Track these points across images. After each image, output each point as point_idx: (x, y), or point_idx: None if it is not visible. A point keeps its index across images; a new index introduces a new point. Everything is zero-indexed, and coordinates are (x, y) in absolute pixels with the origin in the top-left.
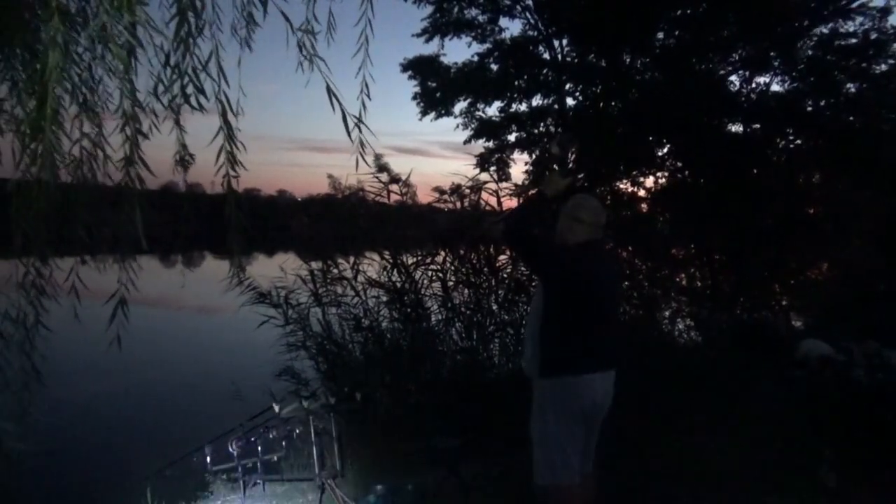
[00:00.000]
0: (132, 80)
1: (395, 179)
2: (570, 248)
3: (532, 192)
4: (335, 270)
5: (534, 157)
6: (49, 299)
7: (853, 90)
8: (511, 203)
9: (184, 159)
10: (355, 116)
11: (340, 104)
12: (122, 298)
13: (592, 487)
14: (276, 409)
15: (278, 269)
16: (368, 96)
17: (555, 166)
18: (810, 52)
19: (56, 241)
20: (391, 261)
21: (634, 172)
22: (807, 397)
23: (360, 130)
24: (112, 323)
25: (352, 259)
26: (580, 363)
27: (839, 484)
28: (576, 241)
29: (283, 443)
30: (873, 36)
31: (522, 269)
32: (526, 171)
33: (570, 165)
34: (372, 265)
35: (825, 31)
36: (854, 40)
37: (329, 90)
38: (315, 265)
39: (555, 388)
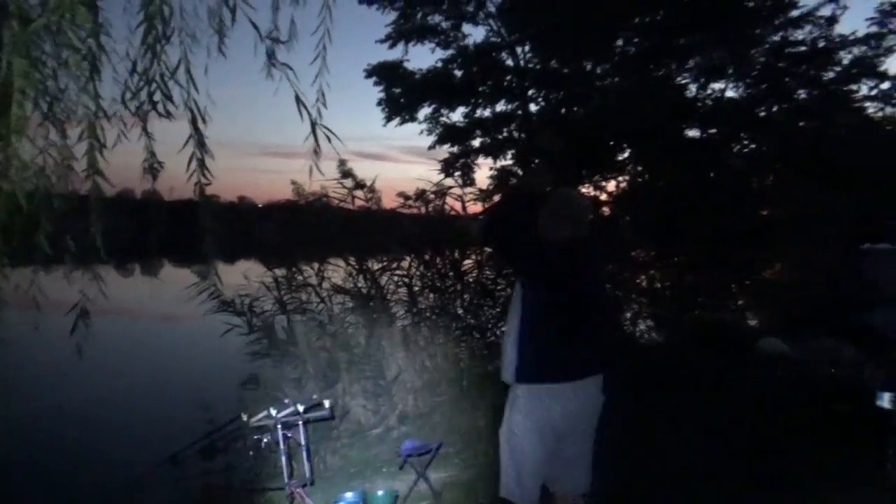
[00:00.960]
0: (95, 88)
1: (359, 185)
2: (556, 245)
3: (514, 187)
4: (300, 277)
5: (498, 162)
6: (9, 310)
7: (804, 96)
8: (476, 208)
9: (153, 167)
10: (325, 126)
11: (309, 113)
12: (83, 309)
13: None
14: (245, 418)
15: (241, 276)
16: (325, 104)
17: (542, 160)
18: (763, 60)
19: (18, 251)
20: (356, 267)
21: (597, 177)
22: (764, 393)
23: (328, 138)
24: (73, 334)
25: (316, 266)
26: (558, 368)
27: (799, 477)
28: (561, 238)
29: (251, 452)
30: (821, 44)
31: (487, 273)
32: (491, 176)
33: (556, 158)
34: (337, 271)
35: (777, 39)
36: (804, 48)
37: (298, 99)
38: (279, 272)
39: (529, 394)
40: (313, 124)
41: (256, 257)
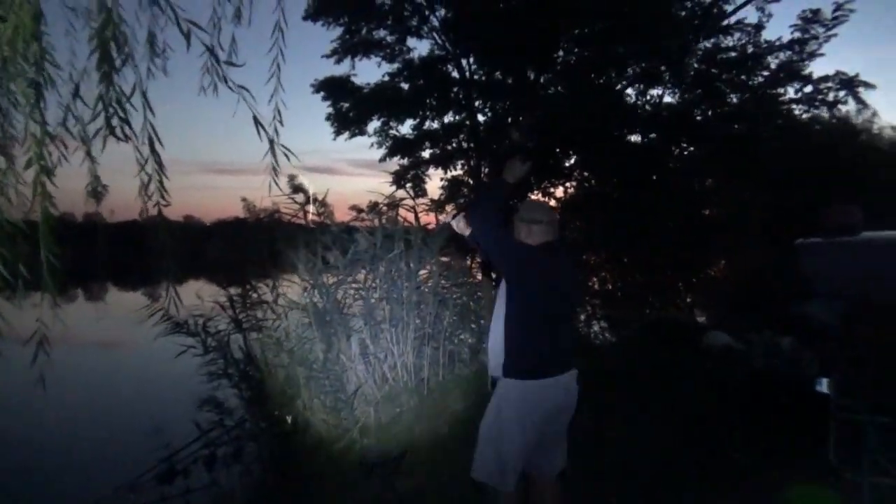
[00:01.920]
0: (42, 113)
1: (310, 200)
2: (532, 248)
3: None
4: (254, 295)
5: (449, 172)
6: None
7: (735, 100)
8: (429, 218)
9: (97, 190)
10: (281, 144)
11: (268, 134)
12: (43, 337)
13: (557, 491)
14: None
15: (193, 296)
16: (281, 122)
17: (515, 153)
18: (696, 66)
19: None
20: (311, 282)
21: (545, 183)
22: (712, 384)
23: (287, 157)
24: (34, 363)
25: (270, 282)
26: (544, 365)
27: (747, 461)
28: (535, 243)
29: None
30: (750, 49)
31: (443, 282)
32: (442, 187)
33: (529, 150)
34: (292, 287)
35: (708, 45)
36: (734, 54)
37: (256, 120)
38: (233, 290)
39: (518, 389)
40: (272, 142)
41: (206, 276)
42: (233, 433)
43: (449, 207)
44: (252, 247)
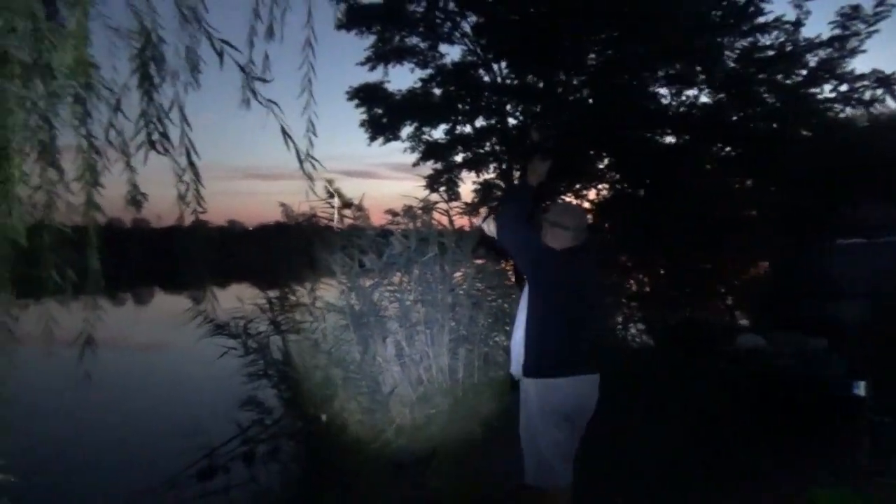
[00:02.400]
0: (87, 128)
1: (347, 204)
2: (556, 252)
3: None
4: (292, 297)
5: (481, 175)
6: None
7: (771, 100)
8: (463, 221)
9: (136, 199)
10: (310, 155)
11: (295, 145)
12: (89, 336)
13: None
14: None
15: (235, 299)
16: (315, 133)
17: (535, 153)
18: (732, 66)
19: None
20: (348, 285)
21: (577, 186)
22: (740, 388)
23: (314, 168)
24: (81, 359)
25: (308, 285)
26: (564, 365)
27: (774, 467)
28: (560, 247)
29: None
30: (788, 48)
31: (478, 285)
32: (474, 190)
33: (549, 150)
34: (329, 290)
35: (745, 44)
36: (771, 52)
37: (284, 131)
38: (272, 293)
39: (539, 389)
40: (298, 155)
41: (249, 280)
42: (271, 430)
43: (482, 210)
44: (290, 250)
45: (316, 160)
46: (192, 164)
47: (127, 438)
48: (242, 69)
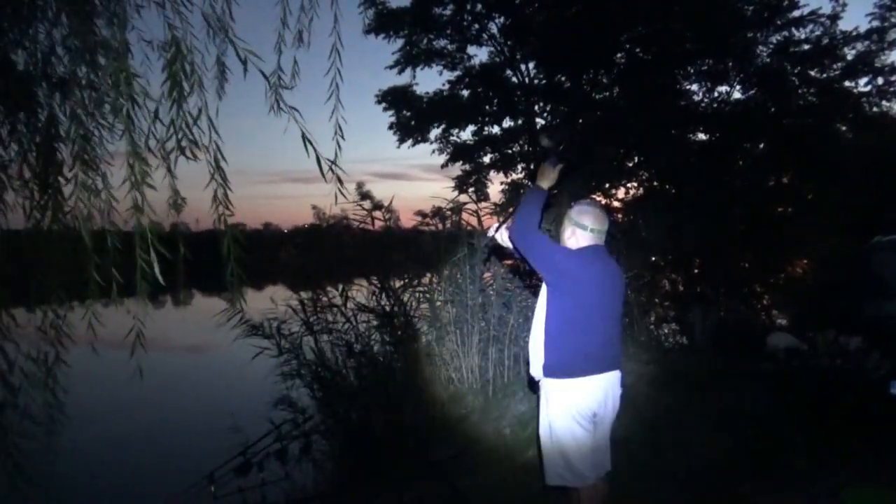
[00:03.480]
0: (134, 139)
1: (377, 206)
2: (574, 252)
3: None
4: (325, 299)
5: (509, 176)
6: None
7: (807, 95)
8: (491, 221)
9: (176, 203)
10: (329, 160)
11: (315, 150)
12: (139, 333)
13: (605, 492)
14: None
15: (269, 301)
16: (343, 137)
17: (548, 157)
18: (767, 60)
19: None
20: (379, 286)
21: (607, 185)
22: (775, 387)
23: (333, 172)
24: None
25: (340, 286)
26: (583, 365)
27: (809, 467)
28: (579, 247)
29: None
30: (825, 41)
31: (508, 284)
32: (503, 191)
33: (561, 154)
34: (361, 291)
35: (780, 38)
36: (807, 46)
37: (304, 137)
38: (305, 295)
39: (558, 389)
40: (318, 160)
41: (283, 281)
42: (303, 427)
43: (493, 220)
44: (322, 252)
45: (336, 165)
46: (219, 168)
47: (169, 434)
48: (266, 77)
